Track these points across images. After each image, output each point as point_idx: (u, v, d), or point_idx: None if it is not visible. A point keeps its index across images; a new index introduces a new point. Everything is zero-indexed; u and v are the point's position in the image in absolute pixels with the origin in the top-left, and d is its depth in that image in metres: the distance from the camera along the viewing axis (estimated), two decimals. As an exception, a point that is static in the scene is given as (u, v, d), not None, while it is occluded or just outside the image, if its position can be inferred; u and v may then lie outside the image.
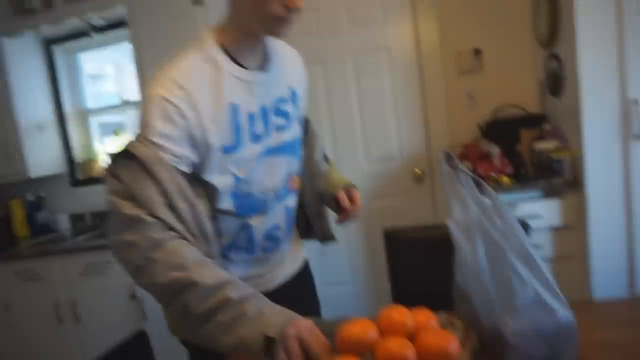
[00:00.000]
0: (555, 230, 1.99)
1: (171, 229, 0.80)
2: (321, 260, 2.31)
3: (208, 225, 0.88)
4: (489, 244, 0.81)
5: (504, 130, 2.20)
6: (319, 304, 1.29)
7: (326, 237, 1.21)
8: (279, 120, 1.00)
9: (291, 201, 1.09)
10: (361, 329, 0.65)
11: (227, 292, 0.73)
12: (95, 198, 3.00)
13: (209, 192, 0.91)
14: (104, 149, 3.10)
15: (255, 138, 0.94)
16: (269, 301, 0.76)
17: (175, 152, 0.83)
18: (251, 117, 0.93)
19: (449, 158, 0.90)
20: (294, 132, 1.05)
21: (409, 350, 0.62)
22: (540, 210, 1.97)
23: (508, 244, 0.81)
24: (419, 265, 1.32)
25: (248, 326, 0.70)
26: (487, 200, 0.87)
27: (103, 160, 3.09)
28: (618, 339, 0.88)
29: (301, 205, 1.16)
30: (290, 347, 0.68)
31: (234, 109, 0.90)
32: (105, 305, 2.46)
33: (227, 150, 0.90)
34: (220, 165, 0.90)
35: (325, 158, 1.22)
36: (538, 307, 0.78)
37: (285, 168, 1.03)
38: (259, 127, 0.95)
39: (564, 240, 2.00)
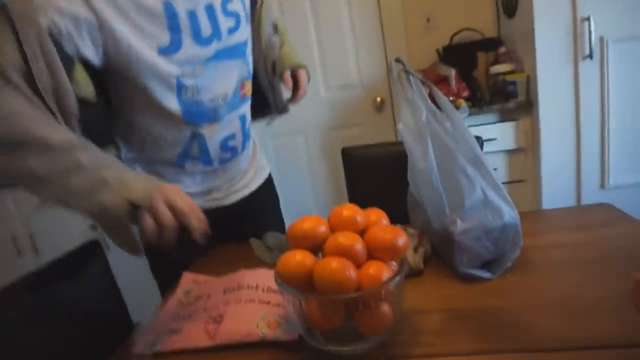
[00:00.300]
0: (510, 153, 2.04)
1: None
2: (284, 191, 2.31)
3: (74, 122, 0.77)
4: (439, 147, 0.81)
5: (461, 55, 2.19)
6: (283, 221, 1.29)
7: (279, 109, 1.20)
8: (229, 22, 0.93)
9: (245, 108, 1.04)
10: (311, 224, 0.64)
11: (78, 156, 0.68)
12: None
13: (138, 93, 0.85)
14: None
15: (201, 40, 0.87)
16: (127, 168, 0.73)
17: (58, 24, 0.71)
18: (192, 15, 0.85)
19: (399, 62, 0.87)
20: (244, 33, 0.98)
21: (357, 243, 0.62)
22: (495, 134, 2.00)
23: (458, 147, 0.81)
24: (377, 182, 1.33)
25: (109, 193, 0.66)
26: (435, 108, 0.86)
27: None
28: (563, 241, 0.93)
29: (254, 77, 1.11)
30: (159, 210, 0.66)
31: (167, 6, 0.82)
32: (65, 236, 2.39)
33: (163, 51, 0.83)
34: (156, 68, 0.83)
35: (275, 28, 1.16)
36: (485, 208, 0.79)
37: (237, 73, 0.97)
38: (206, 27, 0.87)
39: (518, 163, 2.06)
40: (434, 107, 0.86)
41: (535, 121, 1.95)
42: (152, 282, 1.14)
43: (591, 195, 1.96)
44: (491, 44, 2.18)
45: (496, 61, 2.09)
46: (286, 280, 0.63)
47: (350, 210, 0.65)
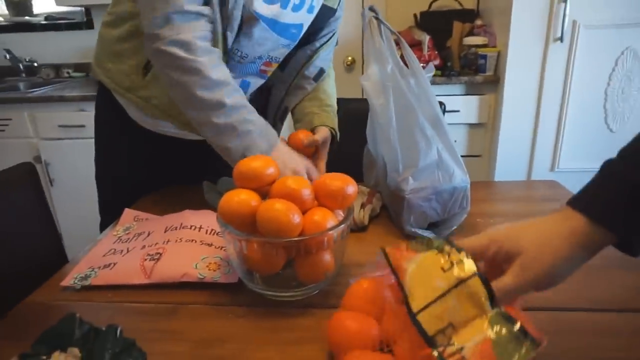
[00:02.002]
0: (471, 126, 2.07)
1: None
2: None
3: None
4: (401, 103, 0.79)
5: (437, 22, 2.16)
6: None
7: None
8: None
9: (254, 83, 0.97)
10: (260, 163, 0.62)
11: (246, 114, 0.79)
12: None
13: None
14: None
15: None
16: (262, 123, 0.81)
17: None
18: None
19: (372, 11, 0.83)
20: (302, 18, 0.90)
21: (305, 188, 0.60)
22: (459, 106, 2.01)
23: (419, 105, 0.80)
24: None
25: (236, 140, 0.77)
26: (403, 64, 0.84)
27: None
28: (508, 210, 0.95)
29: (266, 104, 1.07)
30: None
31: None
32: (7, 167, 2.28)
33: None
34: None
35: (319, 75, 1.06)
36: (438, 169, 0.79)
37: (270, 46, 0.89)
38: None
39: (477, 138, 2.09)
40: (400, 62, 0.83)
41: (499, 97, 1.97)
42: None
43: (541, 176, 2.02)
44: (468, 15, 2.15)
45: (471, 33, 2.08)
46: (228, 220, 0.60)
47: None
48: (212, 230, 0.82)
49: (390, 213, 0.87)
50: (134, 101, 0.91)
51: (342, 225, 0.60)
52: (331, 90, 1.08)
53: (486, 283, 0.46)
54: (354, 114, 1.11)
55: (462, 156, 0.82)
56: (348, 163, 0.98)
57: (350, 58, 2.41)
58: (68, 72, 2.73)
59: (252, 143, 0.77)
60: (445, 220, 0.81)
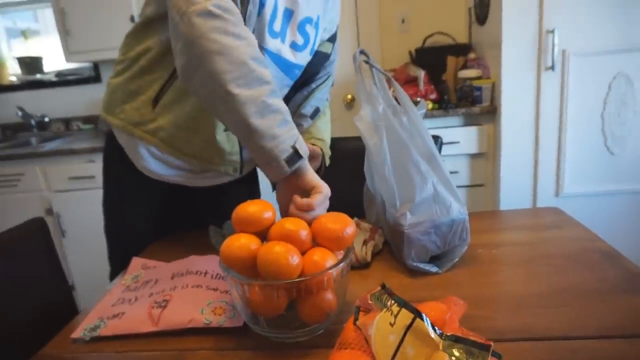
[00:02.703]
0: (471, 157, 2.09)
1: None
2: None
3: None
4: (394, 141, 0.82)
5: (432, 57, 2.22)
6: None
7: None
8: (298, 38, 0.91)
9: None
10: (257, 208, 0.64)
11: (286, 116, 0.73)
12: (7, 108, 2.80)
13: None
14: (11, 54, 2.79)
15: (272, 32, 0.85)
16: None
17: None
18: (274, 9, 0.84)
19: (363, 54, 0.87)
20: (302, 59, 0.95)
21: (303, 229, 0.62)
22: (459, 137, 2.04)
23: (412, 142, 0.82)
24: (340, 175, 1.32)
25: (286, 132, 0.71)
26: (395, 102, 0.87)
27: (10, 67, 2.79)
28: (512, 240, 0.95)
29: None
30: None
31: None
32: (20, 221, 2.32)
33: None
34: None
35: (315, 114, 1.10)
36: (435, 203, 0.80)
37: (277, 85, 0.93)
38: (277, 25, 0.86)
39: (479, 167, 2.11)
40: (393, 101, 0.86)
41: (497, 127, 2.00)
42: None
43: (546, 202, 2.02)
44: (462, 49, 2.22)
45: (465, 66, 2.14)
46: (230, 264, 0.62)
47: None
48: (217, 274, 0.84)
49: (392, 248, 0.89)
50: (142, 138, 0.93)
51: (342, 264, 0.61)
52: (324, 126, 1.12)
53: (426, 319, 0.51)
54: (356, 152, 1.14)
55: (464, 186, 0.83)
56: (351, 200, 1.00)
57: (349, 96, 2.47)
58: (77, 125, 2.82)
59: (299, 137, 0.73)
60: (446, 252, 0.82)
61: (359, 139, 1.50)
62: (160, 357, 0.66)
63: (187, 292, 0.78)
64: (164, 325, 0.71)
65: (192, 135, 0.94)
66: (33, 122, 2.81)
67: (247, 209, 0.64)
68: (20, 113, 2.77)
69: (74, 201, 2.30)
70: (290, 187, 0.74)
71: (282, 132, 0.70)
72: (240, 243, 0.61)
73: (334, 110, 2.51)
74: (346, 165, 1.32)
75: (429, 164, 0.83)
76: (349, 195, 1.02)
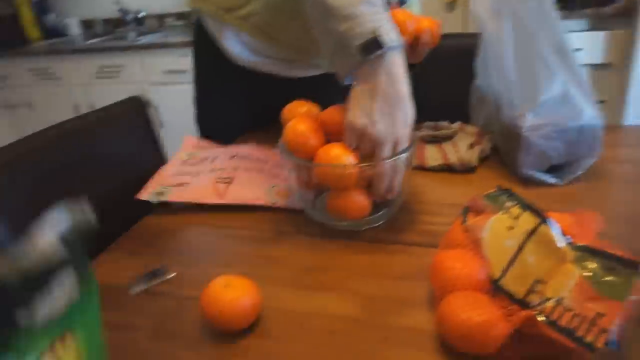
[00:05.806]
0: (594, 68, 1.81)
1: None
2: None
3: None
4: (518, 29, 0.69)
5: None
6: None
7: None
8: None
9: None
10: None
11: None
12: (105, 4, 2.91)
13: None
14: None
15: None
16: None
17: None
18: None
19: None
20: None
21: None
22: (582, 44, 1.76)
23: (541, 31, 0.68)
24: (440, 76, 1.20)
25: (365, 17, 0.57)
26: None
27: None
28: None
29: None
30: None
31: None
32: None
33: None
34: None
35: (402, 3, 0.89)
36: (563, 104, 0.69)
37: None
38: None
39: (601, 81, 1.82)
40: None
41: (634, 32, 1.68)
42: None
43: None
44: None
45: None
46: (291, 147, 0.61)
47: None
48: (279, 163, 0.82)
49: (503, 154, 0.79)
50: (233, 24, 0.88)
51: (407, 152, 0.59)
52: (416, 9, 0.97)
53: (554, 225, 0.44)
54: (458, 50, 1.01)
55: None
56: (452, 101, 0.90)
57: (451, -5, 2.20)
58: (171, 21, 2.86)
59: (387, 23, 0.58)
60: (569, 163, 0.71)
61: (461, 35, 1.34)
62: (255, 237, 0.66)
63: (251, 174, 0.78)
64: (230, 199, 0.73)
65: (288, 21, 0.86)
66: (129, 17, 2.89)
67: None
68: (118, 9, 2.85)
69: (170, 94, 2.41)
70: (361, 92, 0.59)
71: (363, 13, 0.56)
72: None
73: (433, 13, 2.28)
74: (446, 66, 1.19)
75: (560, 59, 0.69)
76: (450, 97, 0.91)
